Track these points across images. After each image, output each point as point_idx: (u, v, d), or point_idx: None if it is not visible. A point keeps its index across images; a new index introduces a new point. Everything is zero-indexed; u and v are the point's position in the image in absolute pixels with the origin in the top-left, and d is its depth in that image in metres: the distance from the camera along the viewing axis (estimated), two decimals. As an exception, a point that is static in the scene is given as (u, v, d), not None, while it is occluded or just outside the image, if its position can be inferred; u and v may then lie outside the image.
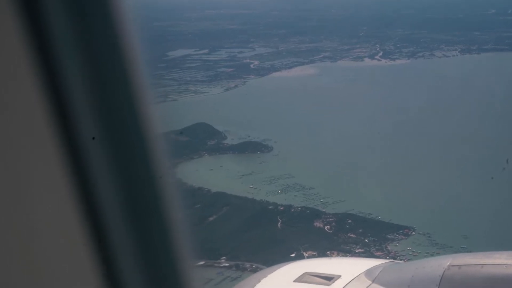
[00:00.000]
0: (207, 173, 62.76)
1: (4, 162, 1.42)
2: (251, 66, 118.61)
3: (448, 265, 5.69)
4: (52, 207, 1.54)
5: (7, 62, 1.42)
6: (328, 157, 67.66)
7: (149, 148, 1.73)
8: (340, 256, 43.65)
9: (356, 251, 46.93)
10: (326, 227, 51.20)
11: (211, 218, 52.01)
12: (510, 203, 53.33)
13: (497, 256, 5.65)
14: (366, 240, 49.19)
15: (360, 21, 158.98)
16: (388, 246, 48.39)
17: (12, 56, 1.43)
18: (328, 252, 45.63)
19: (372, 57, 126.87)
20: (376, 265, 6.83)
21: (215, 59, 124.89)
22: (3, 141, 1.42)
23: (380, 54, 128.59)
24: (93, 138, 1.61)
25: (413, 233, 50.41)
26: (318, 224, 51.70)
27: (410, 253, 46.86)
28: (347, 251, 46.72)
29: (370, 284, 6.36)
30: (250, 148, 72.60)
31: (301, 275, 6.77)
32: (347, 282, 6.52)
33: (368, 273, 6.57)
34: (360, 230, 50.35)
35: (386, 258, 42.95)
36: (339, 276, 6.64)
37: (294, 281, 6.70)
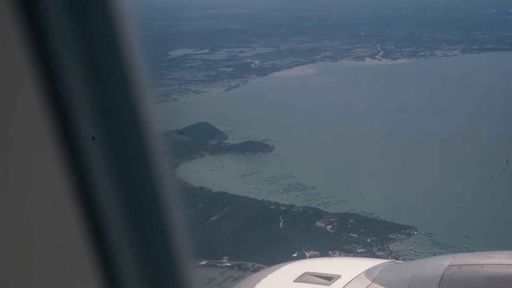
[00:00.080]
0: (209, 173, 62.78)
1: (4, 163, 1.43)
2: (252, 65, 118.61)
3: (448, 265, 5.68)
4: (52, 207, 1.54)
5: (6, 62, 1.43)
6: (329, 156, 67.67)
7: (149, 148, 1.73)
8: (342, 256, 43.70)
9: (358, 251, 46.95)
10: (328, 227, 51.18)
11: (213, 218, 52.03)
12: (510, 203, 53.39)
13: (496, 256, 5.64)
14: (368, 240, 49.18)
15: (360, 21, 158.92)
16: (390, 246, 48.40)
17: (11, 56, 1.43)
18: (330, 252, 45.64)
19: (372, 56, 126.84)
20: (376, 265, 6.83)
21: (215, 58, 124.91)
22: (3, 141, 1.43)
23: (381, 53, 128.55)
24: (93, 138, 1.60)
25: (415, 232, 50.41)
26: (320, 224, 51.68)
27: (412, 253, 46.87)
28: (349, 251, 46.73)
29: (370, 284, 6.34)
30: (251, 147, 72.60)
31: (301, 275, 6.78)
32: (347, 282, 6.52)
33: (368, 273, 6.56)
34: (362, 230, 50.35)
35: (388, 258, 42.97)
36: (339, 276, 6.63)
37: (294, 281, 6.70)
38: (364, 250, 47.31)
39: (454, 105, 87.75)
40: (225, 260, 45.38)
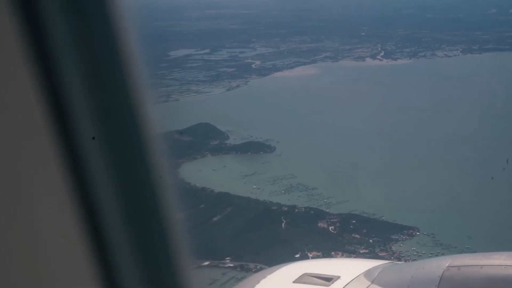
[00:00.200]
0: (210, 173, 62.77)
1: (4, 163, 1.43)
2: (253, 66, 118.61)
3: (448, 266, 5.68)
4: (52, 207, 1.55)
5: (6, 62, 1.43)
6: (331, 157, 67.67)
7: (149, 148, 1.72)
8: (345, 257, 43.68)
9: (361, 252, 46.89)
10: (330, 228, 51.16)
11: (215, 218, 52.02)
12: (511, 203, 53.52)
13: (496, 257, 5.65)
14: (371, 240, 49.15)
15: (360, 21, 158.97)
16: (393, 247, 48.38)
17: (11, 56, 1.44)
18: (332, 253, 45.65)
19: (373, 57, 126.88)
20: (376, 266, 6.84)
21: (216, 59, 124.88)
22: (3, 141, 1.43)
23: (382, 54, 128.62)
24: (93, 138, 1.60)
25: (417, 233, 50.40)
26: (322, 224, 51.66)
27: (415, 253, 46.81)
28: (351, 252, 46.67)
29: (370, 285, 6.35)
30: (253, 148, 72.59)
31: (301, 276, 6.78)
32: (347, 283, 6.52)
33: (367, 274, 6.57)
34: (364, 231, 50.33)
35: (390, 259, 43.02)
36: (338, 277, 6.64)
37: (294, 282, 6.70)
38: (367, 251, 47.28)
39: (454, 105, 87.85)
40: (227, 261, 45.37)
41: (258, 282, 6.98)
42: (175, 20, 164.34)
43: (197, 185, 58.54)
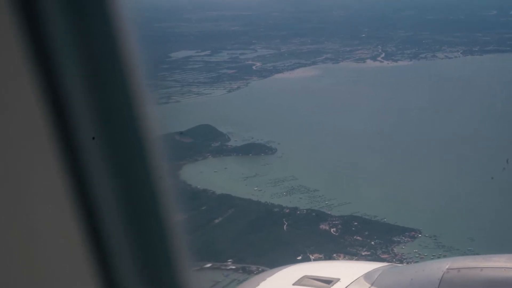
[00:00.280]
0: (212, 175, 62.77)
1: (4, 163, 1.44)
2: (253, 67, 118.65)
3: (447, 268, 5.63)
4: (52, 208, 1.56)
5: (5, 62, 1.43)
6: (332, 159, 67.68)
7: (149, 148, 1.71)
8: (347, 259, 43.71)
9: (363, 254, 46.89)
10: (332, 230, 51.13)
11: (216, 220, 52.00)
12: (511, 203, 53.71)
13: (496, 259, 5.62)
14: (372, 242, 49.10)
15: (361, 23, 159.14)
16: (395, 249, 48.35)
17: (10, 56, 1.44)
18: (334, 255, 45.65)
19: (374, 58, 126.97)
20: (375, 268, 6.80)
21: (217, 60, 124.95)
22: (2, 141, 1.44)
23: (382, 55, 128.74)
24: (93, 138, 1.60)
25: (419, 235, 50.38)
26: (324, 226, 51.63)
27: (417, 255, 46.81)
28: (353, 254, 46.66)
29: (369, 287, 6.32)
30: (254, 150, 72.59)
31: (300, 278, 6.76)
32: (346, 286, 6.50)
33: (367, 276, 6.54)
34: (366, 233, 50.30)
35: (392, 261, 43.02)
36: (338, 279, 6.62)
37: (293, 284, 6.68)
38: (369, 253, 47.26)
39: (455, 106, 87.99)
40: (229, 263, 45.36)
41: (258, 284, 6.96)
42: (176, 22, 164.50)
43: (198, 186, 58.60)
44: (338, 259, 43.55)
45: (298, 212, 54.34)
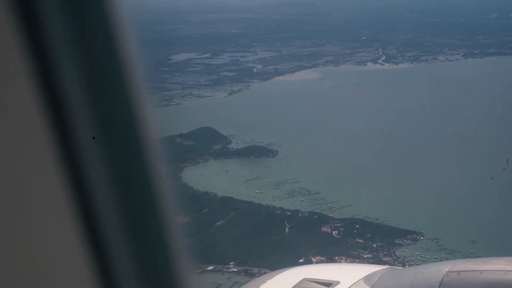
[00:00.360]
0: (213, 178, 62.77)
1: (3, 163, 1.44)
2: (254, 70, 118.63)
3: (447, 271, 5.62)
4: (51, 208, 1.56)
5: (4, 62, 1.43)
6: (333, 161, 67.65)
7: (149, 148, 1.71)
8: (349, 262, 43.67)
9: (365, 256, 46.84)
10: (334, 232, 51.09)
11: (218, 223, 51.95)
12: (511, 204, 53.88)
13: (496, 262, 5.59)
14: (374, 245, 49.07)
15: (362, 25, 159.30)
16: (397, 252, 48.31)
17: (9, 56, 1.44)
18: (336, 258, 45.62)
19: (375, 61, 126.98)
20: (375, 271, 6.81)
21: (217, 63, 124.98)
22: (2, 142, 1.44)
23: (383, 58, 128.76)
24: (93, 138, 1.60)
25: (421, 238, 50.35)
26: (325, 229, 51.59)
27: (419, 258, 46.78)
28: (355, 257, 46.62)
29: None
30: (255, 152, 72.56)
31: (300, 281, 6.77)
32: None
33: (367, 279, 6.55)
34: (368, 235, 50.27)
35: (394, 264, 42.96)
36: (337, 282, 6.63)
37: (293, 287, 6.69)
38: (371, 255, 47.21)
39: (456, 109, 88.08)
40: (231, 266, 45.31)
41: (258, 287, 6.99)
42: (177, 24, 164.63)
43: (199, 189, 58.61)
44: (340, 262, 43.44)
45: (300, 215, 54.29)
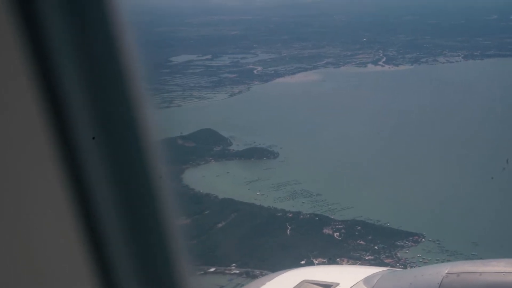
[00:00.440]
0: (214, 179, 62.71)
1: (3, 163, 1.45)
2: (255, 72, 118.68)
3: (447, 273, 5.63)
4: (51, 208, 1.57)
5: (4, 62, 1.44)
6: (334, 163, 67.64)
7: (149, 148, 1.71)
8: (350, 263, 43.64)
9: (366, 258, 46.79)
10: (335, 234, 51.06)
11: (220, 225, 51.89)
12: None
13: (495, 264, 5.60)
14: (376, 247, 49.01)
15: (362, 27, 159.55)
16: (398, 253, 48.26)
17: (9, 56, 1.44)
18: (338, 259, 45.57)
19: (375, 63, 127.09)
20: (375, 273, 6.82)
21: (218, 64, 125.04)
22: (1, 142, 1.45)
23: (383, 60, 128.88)
24: (93, 138, 1.61)
25: (423, 240, 50.31)
26: (327, 231, 51.56)
27: (420, 260, 46.69)
28: (356, 258, 46.56)
29: None
30: (256, 154, 72.55)
31: (300, 282, 6.78)
32: None
33: (366, 280, 6.56)
34: (370, 237, 50.22)
35: (396, 265, 42.96)
36: (337, 284, 6.65)
37: None
38: (372, 257, 47.16)
39: (456, 110, 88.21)
40: (233, 267, 45.28)
41: None
42: (177, 26, 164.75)
43: (201, 191, 58.58)
44: (341, 264, 43.42)
45: (301, 217, 54.25)
